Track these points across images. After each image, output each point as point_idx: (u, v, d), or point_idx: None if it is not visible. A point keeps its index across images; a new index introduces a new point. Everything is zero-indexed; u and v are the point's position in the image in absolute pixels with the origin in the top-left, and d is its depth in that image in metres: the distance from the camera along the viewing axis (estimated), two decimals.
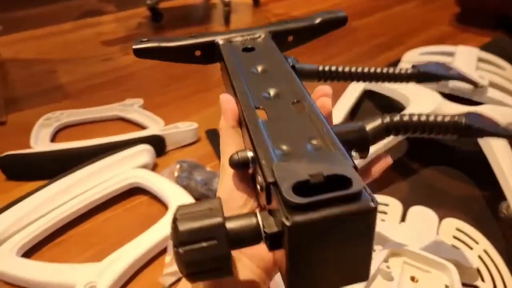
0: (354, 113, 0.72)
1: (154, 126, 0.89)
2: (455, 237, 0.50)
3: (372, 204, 0.17)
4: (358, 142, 0.25)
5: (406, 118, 0.27)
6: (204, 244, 0.19)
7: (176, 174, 0.70)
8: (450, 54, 0.78)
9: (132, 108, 0.97)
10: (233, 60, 0.30)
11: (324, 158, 0.20)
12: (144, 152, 0.76)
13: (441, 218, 0.53)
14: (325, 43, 1.39)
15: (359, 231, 0.18)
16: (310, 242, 0.18)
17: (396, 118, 0.27)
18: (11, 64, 1.33)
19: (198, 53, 0.34)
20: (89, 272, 0.53)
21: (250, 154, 0.22)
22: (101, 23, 1.71)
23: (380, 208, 0.54)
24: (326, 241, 0.18)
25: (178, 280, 0.55)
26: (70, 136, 0.91)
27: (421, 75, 0.37)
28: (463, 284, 0.44)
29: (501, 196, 0.57)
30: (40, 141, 0.85)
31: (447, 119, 0.27)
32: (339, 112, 0.67)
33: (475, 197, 0.59)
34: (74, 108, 1.00)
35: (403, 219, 0.52)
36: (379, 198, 0.56)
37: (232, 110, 0.27)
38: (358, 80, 0.40)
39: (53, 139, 0.89)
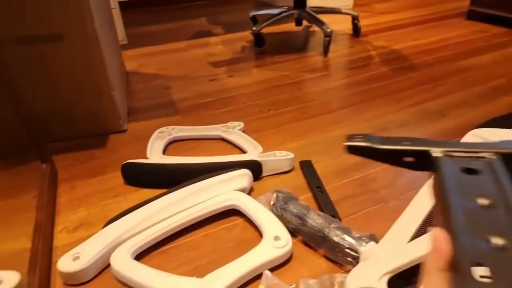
0: None
1: (253, 151, 0.94)
2: None
3: None
4: None
5: None
6: None
7: (272, 202, 0.73)
8: None
9: (233, 131, 1.04)
10: (452, 182, 0.26)
11: None
12: (245, 177, 0.81)
13: None
14: (430, 79, 1.33)
15: None
16: None
17: None
18: (135, 77, 1.52)
19: (409, 159, 0.31)
20: (192, 287, 0.58)
21: None
22: (209, 44, 1.87)
23: None
24: None
25: None
26: (178, 150, 1.01)
27: None
28: None
29: None
30: (154, 152, 0.96)
31: None
32: None
33: None
34: (182, 123, 1.11)
35: None
36: None
37: (444, 250, 0.23)
38: None
39: (164, 151, 0.99)
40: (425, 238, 0.56)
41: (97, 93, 1.02)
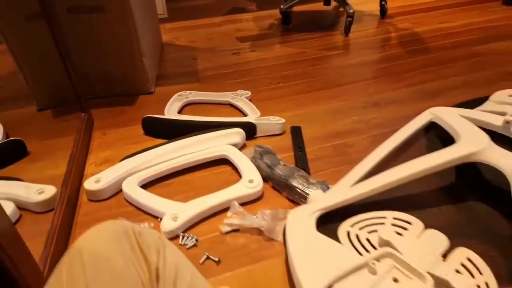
0: (417, 136, 0.78)
1: (252, 115, 1.09)
2: (462, 264, 0.55)
3: None
4: None
5: None
6: None
7: (251, 155, 0.88)
8: None
9: (240, 98, 1.19)
10: None
11: None
12: (237, 134, 0.96)
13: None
14: (439, 62, 1.37)
15: None
16: None
17: None
18: (168, 47, 1.70)
19: None
20: (176, 208, 0.76)
21: None
22: (241, 20, 2.00)
23: (402, 224, 0.62)
24: None
25: (233, 230, 0.74)
26: (193, 111, 1.18)
27: None
28: None
29: None
30: (171, 111, 1.14)
31: None
32: (401, 135, 0.75)
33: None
34: (201, 90, 1.28)
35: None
36: (406, 217, 0.63)
37: None
38: None
39: (180, 111, 1.17)
40: (365, 183, 0.68)
41: (130, 58, 1.22)
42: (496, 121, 0.71)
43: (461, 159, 0.63)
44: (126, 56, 1.22)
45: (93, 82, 1.25)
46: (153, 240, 0.42)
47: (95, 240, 0.39)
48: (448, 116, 0.73)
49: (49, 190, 0.82)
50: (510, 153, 0.62)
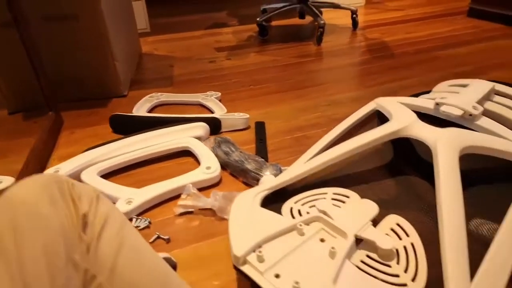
0: (364, 124, 0.82)
1: (219, 112, 1.12)
2: (392, 229, 0.57)
3: None
4: None
5: None
6: None
7: (212, 145, 0.91)
8: (465, 86, 0.80)
9: (210, 98, 1.23)
10: None
11: None
12: (200, 128, 1.00)
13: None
14: (401, 65, 1.43)
15: None
16: None
17: None
18: (147, 57, 1.76)
19: None
20: (132, 193, 0.78)
21: None
22: (221, 33, 2.08)
23: (341, 198, 0.64)
24: None
25: (187, 212, 0.76)
26: (163, 111, 1.22)
27: None
28: (379, 262, 0.53)
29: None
30: (141, 111, 1.17)
31: None
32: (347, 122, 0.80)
33: None
34: (174, 93, 1.32)
35: None
36: (345, 191, 0.65)
37: None
38: None
39: (150, 111, 1.20)
40: (307, 163, 0.71)
41: (102, 62, 1.26)
42: (429, 105, 0.75)
43: (391, 135, 0.67)
44: (98, 61, 1.26)
45: (67, 86, 1.29)
46: (86, 191, 0.44)
47: (25, 188, 0.41)
48: (388, 104, 0.77)
49: (7, 181, 0.83)
50: (432, 127, 0.66)
